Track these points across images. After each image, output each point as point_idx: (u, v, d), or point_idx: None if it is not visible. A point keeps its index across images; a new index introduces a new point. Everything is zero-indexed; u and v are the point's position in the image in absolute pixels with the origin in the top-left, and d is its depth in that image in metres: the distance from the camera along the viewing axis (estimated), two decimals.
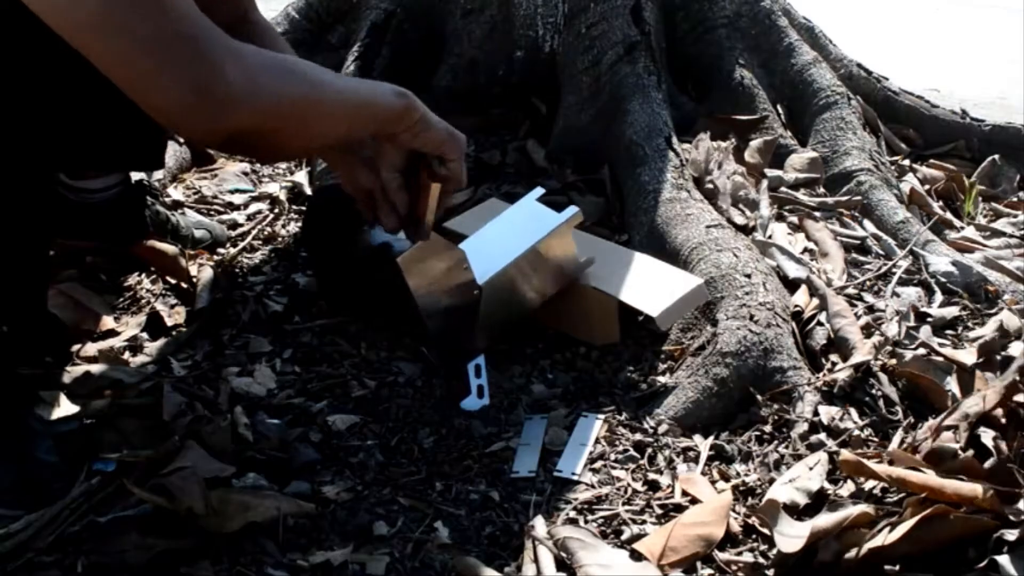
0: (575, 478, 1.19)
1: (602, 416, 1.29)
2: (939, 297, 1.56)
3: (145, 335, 1.43)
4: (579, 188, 1.87)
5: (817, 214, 1.80)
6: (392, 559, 1.05)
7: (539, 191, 1.45)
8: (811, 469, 1.17)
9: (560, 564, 1.04)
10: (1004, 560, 0.97)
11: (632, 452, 1.24)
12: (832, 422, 1.27)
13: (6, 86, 1.03)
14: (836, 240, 1.71)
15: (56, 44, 0.93)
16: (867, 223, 1.80)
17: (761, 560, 1.07)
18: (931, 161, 2.17)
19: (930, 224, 1.81)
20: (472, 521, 1.12)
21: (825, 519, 1.05)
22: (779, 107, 2.09)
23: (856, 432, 1.25)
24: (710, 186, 1.80)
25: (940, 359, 1.35)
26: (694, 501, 1.15)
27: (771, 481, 1.18)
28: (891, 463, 1.14)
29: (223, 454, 1.16)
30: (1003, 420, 1.16)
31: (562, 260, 1.42)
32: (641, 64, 1.95)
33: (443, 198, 1.19)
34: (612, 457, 1.23)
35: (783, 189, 1.87)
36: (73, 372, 1.30)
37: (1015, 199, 2.06)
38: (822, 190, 1.93)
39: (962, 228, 1.89)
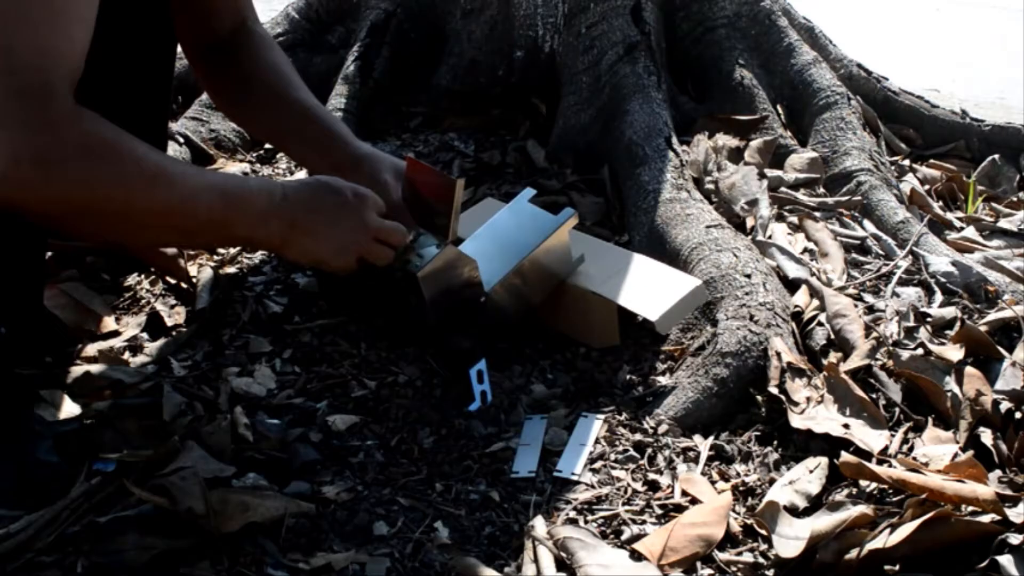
0: (575, 478, 1.19)
1: (602, 416, 1.29)
2: (939, 297, 1.55)
3: (145, 335, 1.43)
4: (579, 188, 1.87)
5: (817, 214, 1.80)
6: (392, 559, 1.05)
7: (530, 192, 1.47)
8: (811, 472, 1.17)
9: (560, 564, 1.04)
10: (1006, 560, 0.97)
11: (632, 452, 1.24)
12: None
13: None
14: (836, 240, 1.70)
15: None
16: (867, 223, 1.80)
17: (761, 560, 1.07)
18: (931, 161, 2.17)
19: (928, 223, 1.81)
20: (472, 521, 1.12)
21: (824, 521, 1.05)
22: (779, 107, 2.09)
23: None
24: (710, 186, 1.80)
25: (935, 358, 1.35)
26: (694, 501, 1.15)
27: (771, 481, 1.18)
28: (891, 465, 1.14)
29: (223, 454, 1.16)
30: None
31: (559, 261, 1.43)
32: (641, 64, 1.95)
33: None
34: (612, 457, 1.23)
35: (783, 189, 1.87)
36: (73, 372, 1.30)
37: (1015, 199, 2.06)
38: (822, 190, 1.93)
39: (962, 228, 1.89)
